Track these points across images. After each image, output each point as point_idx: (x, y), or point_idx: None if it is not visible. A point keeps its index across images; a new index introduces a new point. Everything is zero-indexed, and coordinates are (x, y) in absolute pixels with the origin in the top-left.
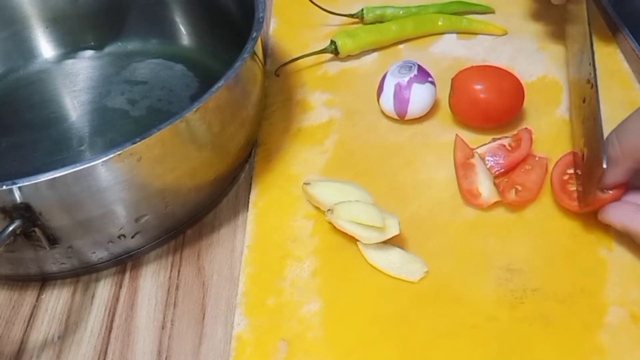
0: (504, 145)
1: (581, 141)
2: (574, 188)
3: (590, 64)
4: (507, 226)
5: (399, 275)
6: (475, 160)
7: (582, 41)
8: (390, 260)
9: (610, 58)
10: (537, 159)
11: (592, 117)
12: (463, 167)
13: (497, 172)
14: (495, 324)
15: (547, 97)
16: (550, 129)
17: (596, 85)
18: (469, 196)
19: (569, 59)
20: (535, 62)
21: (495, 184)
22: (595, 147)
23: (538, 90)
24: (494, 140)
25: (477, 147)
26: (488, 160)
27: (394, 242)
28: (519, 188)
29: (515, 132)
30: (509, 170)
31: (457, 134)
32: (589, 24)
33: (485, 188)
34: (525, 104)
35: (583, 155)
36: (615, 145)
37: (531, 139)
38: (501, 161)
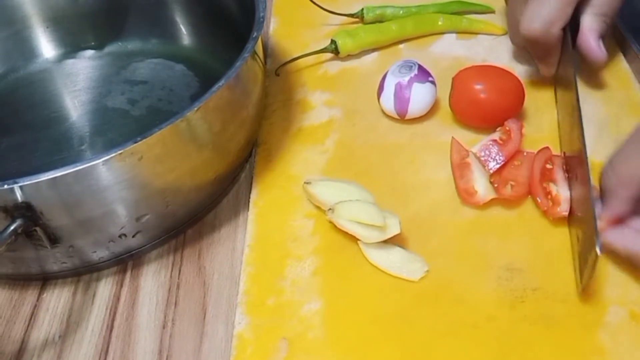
0: (496, 140)
1: (578, 228)
2: (551, 188)
3: (580, 140)
4: (507, 226)
5: (399, 274)
6: (471, 159)
7: (570, 111)
8: (391, 260)
9: (610, 58)
10: (525, 154)
11: (585, 199)
12: (459, 167)
13: (495, 167)
14: (495, 323)
15: (547, 97)
16: (550, 129)
17: (587, 164)
18: (466, 195)
19: (559, 122)
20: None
21: (490, 182)
22: (589, 230)
23: (538, 90)
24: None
25: (472, 147)
26: (483, 157)
27: (394, 241)
28: (513, 183)
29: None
30: (506, 163)
31: (452, 136)
32: (577, 100)
33: (480, 186)
34: (525, 104)
35: (578, 239)
36: (611, 176)
37: (520, 129)
38: (496, 156)
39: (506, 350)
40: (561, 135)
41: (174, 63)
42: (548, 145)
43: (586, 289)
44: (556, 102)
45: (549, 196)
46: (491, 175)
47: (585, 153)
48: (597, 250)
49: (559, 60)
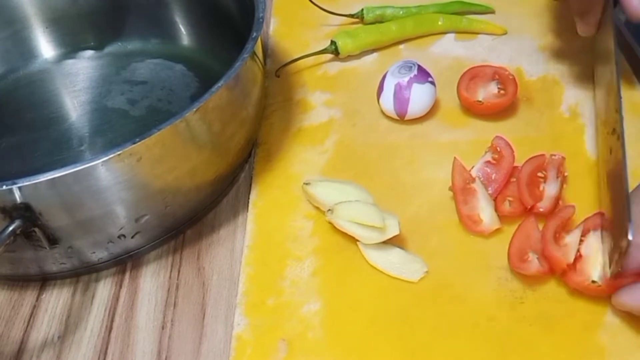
0: (490, 161)
1: (607, 198)
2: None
3: (616, 111)
4: (507, 226)
5: (399, 275)
6: (477, 186)
7: (608, 83)
8: (390, 260)
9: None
10: (520, 169)
11: (618, 175)
12: (462, 192)
13: (497, 190)
14: (495, 323)
15: (547, 97)
16: (550, 129)
17: (622, 138)
18: (470, 222)
19: (595, 97)
20: (536, 62)
21: (495, 210)
22: (620, 211)
23: (538, 90)
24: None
25: (470, 169)
26: (482, 181)
27: (393, 242)
28: (511, 199)
29: (489, 144)
30: (506, 183)
31: (455, 157)
32: (617, 65)
33: (486, 215)
34: (525, 104)
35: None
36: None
37: (509, 144)
38: (495, 177)
39: (506, 351)
40: (597, 125)
41: (173, 63)
42: (543, 153)
43: (615, 276)
44: (594, 82)
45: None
46: (499, 195)
47: (622, 127)
48: (629, 235)
49: (599, 20)
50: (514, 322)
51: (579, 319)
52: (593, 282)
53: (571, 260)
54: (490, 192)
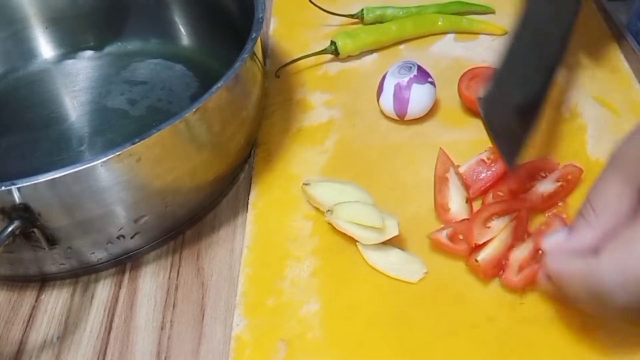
0: (483, 160)
1: None
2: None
3: None
4: None
5: (398, 275)
6: (450, 175)
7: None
8: (390, 261)
9: (610, 58)
10: None
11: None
12: (440, 181)
13: (481, 188)
14: (495, 324)
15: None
16: (550, 129)
17: None
18: (441, 210)
19: None
20: None
21: (467, 201)
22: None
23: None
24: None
25: (460, 166)
26: (468, 178)
27: (393, 242)
28: (500, 194)
29: (489, 144)
30: (492, 185)
31: (440, 148)
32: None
33: (454, 204)
34: None
35: None
36: (585, 203)
37: None
38: (483, 176)
39: (506, 351)
40: None
41: (173, 63)
42: (556, 162)
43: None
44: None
45: None
46: (481, 193)
47: None
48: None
49: None
50: (514, 322)
51: (579, 319)
52: (476, 260)
53: (480, 242)
54: (471, 190)
